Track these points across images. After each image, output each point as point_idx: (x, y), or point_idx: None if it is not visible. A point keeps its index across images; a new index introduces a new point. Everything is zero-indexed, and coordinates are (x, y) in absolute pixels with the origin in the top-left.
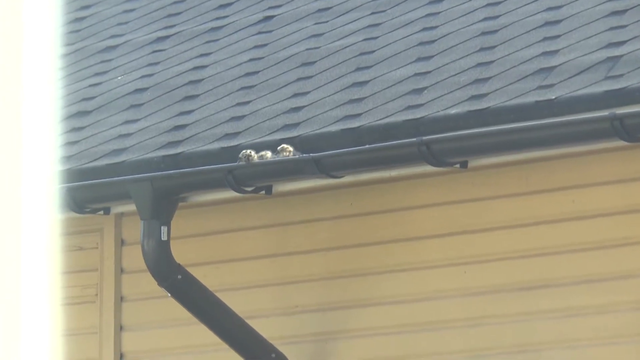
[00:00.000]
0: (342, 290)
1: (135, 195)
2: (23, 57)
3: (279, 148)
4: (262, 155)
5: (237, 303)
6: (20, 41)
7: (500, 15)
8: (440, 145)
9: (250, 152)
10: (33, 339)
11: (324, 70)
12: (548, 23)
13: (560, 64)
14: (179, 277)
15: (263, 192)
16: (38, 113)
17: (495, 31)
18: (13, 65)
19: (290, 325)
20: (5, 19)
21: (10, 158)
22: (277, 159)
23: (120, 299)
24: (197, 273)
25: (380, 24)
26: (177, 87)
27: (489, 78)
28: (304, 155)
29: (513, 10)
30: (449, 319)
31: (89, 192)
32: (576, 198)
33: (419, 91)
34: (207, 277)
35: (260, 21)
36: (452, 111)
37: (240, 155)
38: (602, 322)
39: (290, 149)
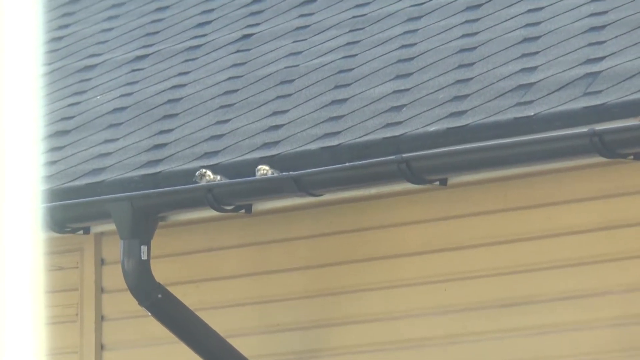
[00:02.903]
0: (323, 309)
1: (114, 214)
2: (3, 76)
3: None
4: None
5: (218, 322)
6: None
7: (478, 32)
8: (419, 163)
9: (205, 171)
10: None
11: (302, 89)
12: (526, 39)
13: (539, 81)
14: (160, 296)
15: (243, 210)
16: (20, 132)
17: (474, 48)
18: None
19: (271, 343)
20: None
21: None
22: (256, 177)
23: (100, 319)
24: (177, 292)
25: (358, 41)
26: (156, 106)
27: (468, 95)
28: (284, 173)
29: (491, 27)
30: (430, 336)
31: (69, 211)
32: (555, 215)
33: (398, 108)
34: (187, 296)
35: (238, 39)
36: (432, 128)
37: (196, 174)
38: (581, 339)
39: (267, 168)
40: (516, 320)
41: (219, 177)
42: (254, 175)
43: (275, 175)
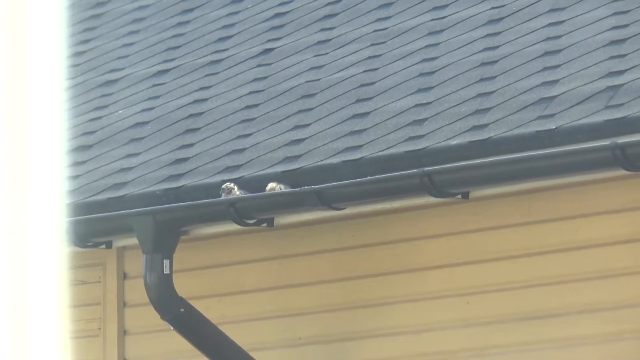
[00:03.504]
0: (345, 322)
1: (137, 228)
2: (29, 89)
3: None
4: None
5: (240, 335)
6: (26, 73)
7: (500, 46)
8: (441, 176)
9: (233, 185)
10: None
11: (324, 102)
12: (548, 53)
13: (560, 94)
14: (182, 310)
15: (265, 224)
16: (45, 147)
17: (495, 61)
18: (19, 98)
19: (293, 357)
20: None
21: (17, 192)
22: (278, 191)
23: (123, 333)
24: (199, 306)
25: (380, 55)
26: (178, 121)
27: (490, 108)
28: (306, 187)
29: (513, 40)
30: (452, 349)
31: (91, 226)
32: (578, 227)
33: (420, 122)
34: (210, 309)
35: (260, 54)
36: (454, 142)
37: (222, 187)
38: (606, 351)
39: (275, 184)
40: (540, 333)
41: (239, 192)
42: (264, 191)
43: (297, 189)
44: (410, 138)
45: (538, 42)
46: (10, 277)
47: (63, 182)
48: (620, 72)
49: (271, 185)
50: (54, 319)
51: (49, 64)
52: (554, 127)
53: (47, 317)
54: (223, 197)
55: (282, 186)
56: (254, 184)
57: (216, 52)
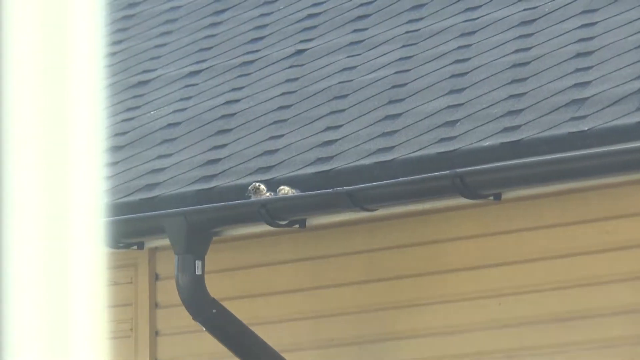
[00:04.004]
0: (377, 323)
1: (169, 229)
2: (69, 89)
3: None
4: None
5: (272, 337)
6: (65, 72)
7: (532, 47)
8: (473, 178)
9: (259, 185)
10: None
11: (356, 104)
12: (580, 54)
13: (592, 95)
14: (214, 311)
15: (297, 225)
16: (85, 145)
17: (527, 63)
18: (59, 97)
19: (326, 358)
20: (50, 52)
21: (56, 192)
22: (310, 192)
23: (155, 334)
24: (231, 307)
25: (412, 56)
26: (210, 122)
27: (522, 110)
28: (338, 188)
29: (545, 42)
30: (484, 351)
31: (123, 227)
32: (611, 228)
33: (451, 123)
34: (241, 310)
35: (292, 55)
36: (485, 143)
37: (249, 187)
38: (639, 353)
39: (287, 189)
40: (572, 334)
41: (268, 193)
42: (277, 194)
43: (330, 190)
44: (442, 139)
45: (570, 44)
46: (49, 277)
47: (101, 182)
48: None
49: (283, 189)
50: (92, 320)
51: (88, 63)
52: (586, 129)
53: (85, 318)
54: (252, 197)
55: (294, 190)
56: (286, 185)
57: (248, 53)
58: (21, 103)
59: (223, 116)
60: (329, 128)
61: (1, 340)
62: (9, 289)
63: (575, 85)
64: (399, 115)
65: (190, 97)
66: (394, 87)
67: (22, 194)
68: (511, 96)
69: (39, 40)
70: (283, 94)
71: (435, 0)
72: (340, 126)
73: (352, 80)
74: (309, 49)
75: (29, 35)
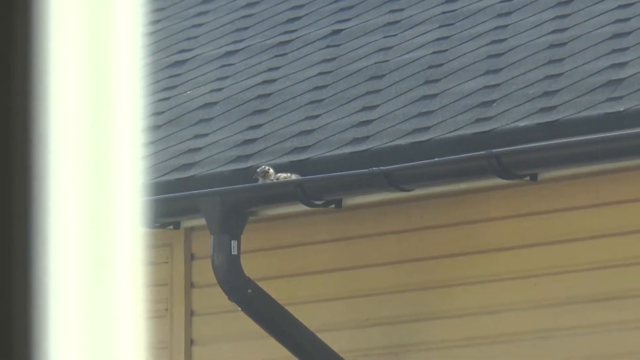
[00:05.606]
0: (413, 303)
1: (205, 209)
2: (111, 69)
3: (259, 170)
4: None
5: (307, 317)
6: (106, 54)
7: (568, 28)
8: (510, 158)
9: (268, 169)
10: (118, 352)
11: (393, 84)
12: (616, 35)
13: (629, 76)
14: (249, 291)
15: (333, 205)
16: (125, 125)
17: (564, 44)
18: (101, 76)
19: (361, 338)
20: (91, 34)
21: (98, 171)
22: (346, 172)
23: (190, 314)
24: (267, 287)
25: (448, 37)
26: (246, 102)
27: (558, 90)
28: (374, 169)
29: (581, 22)
30: (520, 331)
31: (159, 206)
32: None
33: (488, 104)
34: (277, 290)
35: (328, 35)
36: (522, 124)
37: (258, 170)
38: None
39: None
40: (608, 315)
41: (281, 174)
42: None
43: (366, 170)
44: (479, 120)
45: (607, 25)
46: (90, 255)
47: (140, 162)
48: None
49: (282, 175)
50: (131, 300)
51: (128, 43)
52: (622, 110)
53: (125, 298)
54: (259, 180)
55: (294, 175)
56: (322, 165)
57: (285, 33)
58: (62, 83)
59: (259, 96)
60: (365, 108)
61: (43, 315)
62: (50, 265)
63: (612, 66)
64: (435, 95)
65: (226, 77)
66: (430, 67)
67: (64, 174)
68: (547, 77)
69: (80, 20)
70: (319, 74)
71: None
72: (377, 106)
73: (388, 61)
74: (345, 29)
75: (70, 15)
